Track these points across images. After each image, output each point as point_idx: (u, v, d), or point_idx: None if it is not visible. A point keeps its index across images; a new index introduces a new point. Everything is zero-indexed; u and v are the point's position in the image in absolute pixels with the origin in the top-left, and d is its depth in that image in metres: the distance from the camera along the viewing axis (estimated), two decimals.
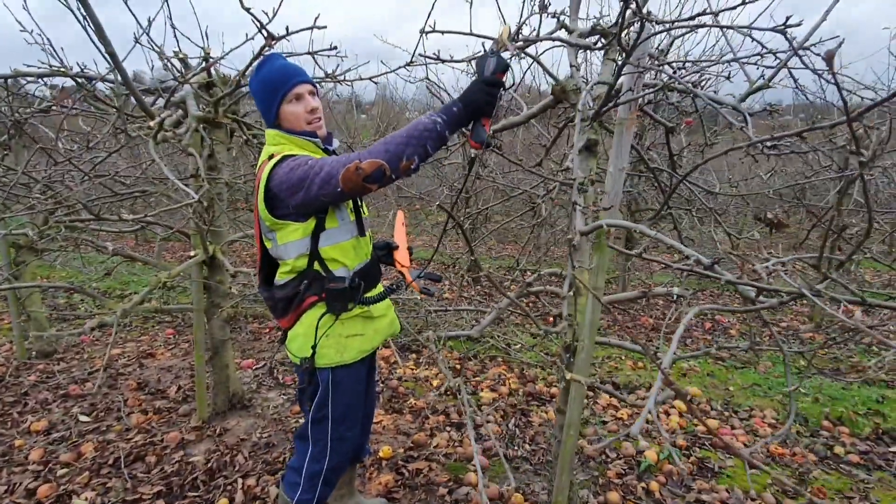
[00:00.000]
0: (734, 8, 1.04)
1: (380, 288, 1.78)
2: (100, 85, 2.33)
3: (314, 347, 1.61)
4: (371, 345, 1.71)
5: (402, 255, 1.82)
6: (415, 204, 7.16)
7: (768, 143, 1.29)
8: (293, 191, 1.42)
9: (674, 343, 0.90)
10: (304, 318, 1.62)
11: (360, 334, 1.66)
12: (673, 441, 2.80)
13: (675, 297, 1.86)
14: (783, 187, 3.24)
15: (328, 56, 2.64)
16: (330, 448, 1.69)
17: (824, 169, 4.41)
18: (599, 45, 1.77)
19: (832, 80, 0.69)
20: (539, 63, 1.89)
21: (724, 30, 1.39)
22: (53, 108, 2.64)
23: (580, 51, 1.88)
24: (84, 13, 1.57)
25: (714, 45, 3.76)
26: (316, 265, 1.58)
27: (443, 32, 1.95)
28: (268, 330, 4.69)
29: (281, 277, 1.64)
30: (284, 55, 1.71)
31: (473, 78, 1.38)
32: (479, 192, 6.35)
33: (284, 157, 1.49)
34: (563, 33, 1.84)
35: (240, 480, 2.35)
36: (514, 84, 2.39)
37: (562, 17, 1.80)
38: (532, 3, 2.07)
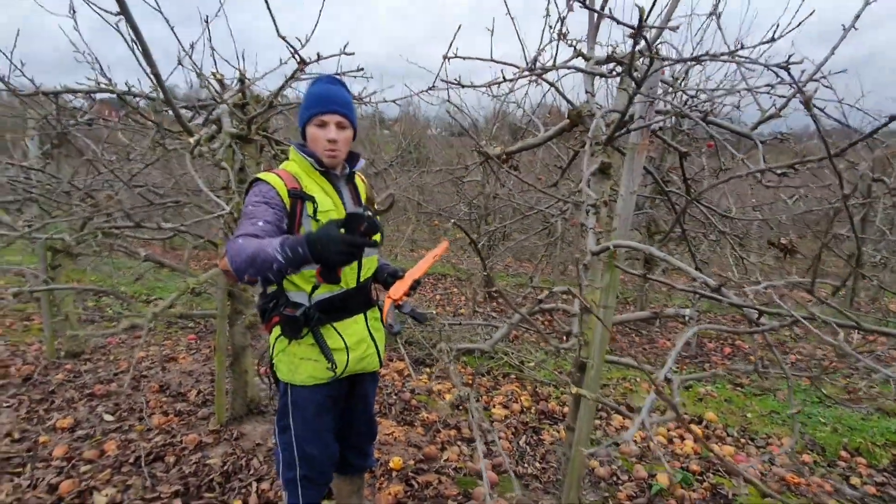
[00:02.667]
0: (769, 42, 1.08)
1: (357, 321, 1.73)
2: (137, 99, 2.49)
3: (272, 360, 1.72)
4: (325, 374, 1.65)
5: (398, 286, 1.71)
6: (433, 219, 7.25)
7: (778, 171, 1.33)
8: None
9: (671, 359, 0.94)
10: (271, 333, 1.71)
11: (312, 359, 1.64)
12: (686, 466, 2.77)
13: (685, 318, 1.89)
14: (802, 212, 3.23)
15: (355, 77, 2.76)
16: (298, 459, 1.72)
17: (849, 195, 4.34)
18: (614, 73, 1.84)
19: (810, 115, 0.73)
20: (556, 88, 1.96)
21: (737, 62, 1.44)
22: (96, 121, 2.81)
23: (596, 77, 1.95)
24: (133, 37, 1.71)
25: (728, 72, 3.79)
26: (284, 284, 1.63)
27: (464, 58, 2.04)
28: (267, 332, 4.78)
29: (270, 288, 1.70)
30: (304, 78, 1.81)
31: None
32: (496, 210, 6.43)
33: (252, 183, 1.61)
34: (580, 60, 1.91)
35: (254, 484, 2.41)
36: (534, 108, 2.47)
37: (579, 46, 1.87)
38: (551, 31, 2.16)
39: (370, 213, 1.33)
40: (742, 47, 1.10)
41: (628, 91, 1.44)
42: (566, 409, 3.47)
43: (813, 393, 3.98)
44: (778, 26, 1.03)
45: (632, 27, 0.96)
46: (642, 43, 1.03)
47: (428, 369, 4.15)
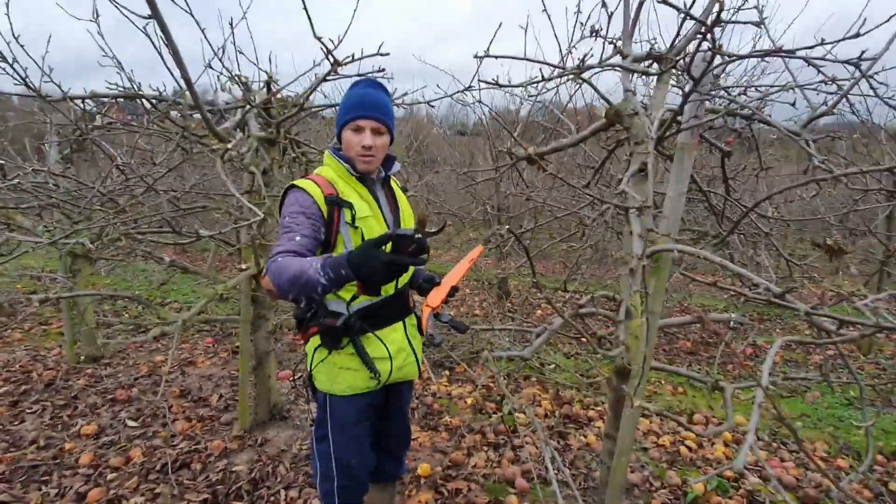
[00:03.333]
0: (853, 37, 1.02)
1: (396, 329, 1.69)
2: (145, 101, 2.45)
3: (311, 371, 1.68)
4: (366, 384, 1.63)
5: (435, 294, 1.67)
6: (447, 220, 7.19)
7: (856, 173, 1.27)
8: None
9: (765, 372, 0.89)
10: (309, 342, 1.68)
11: (352, 369, 1.61)
12: (720, 472, 2.71)
13: (731, 323, 1.83)
14: (842, 213, 3.15)
15: (376, 78, 2.72)
16: (335, 470, 1.68)
17: (877, 191, 4.25)
18: (655, 69, 1.79)
19: None
20: (592, 86, 1.91)
21: (787, 59, 1.38)
22: (114, 124, 2.79)
23: (634, 75, 1.90)
24: (164, 40, 1.67)
25: (747, 68, 3.72)
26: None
27: (496, 57, 1.99)
28: (303, 342, 4.77)
29: None
30: (332, 79, 1.77)
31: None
32: (510, 210, 6.37)
33: (288, 190, 1.58)
34: (617, 58, 1.86)
35: (282, 492, 2.38)
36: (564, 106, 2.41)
37: (617, 44, 1.82)
38: (582, 28, 2.11)
39: (419, 235, 1.31)
40: (823, 42, 1.04)
41: (682, 89, 1.38)
42: (590, 413, 3.41)
43: (841, 395, 3.90)
44: (865, 21, 0.98)
45: (703, 22, 0.91)
46: (708, 39, 0.98)
47: (447, 372, 4.11)
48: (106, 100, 2.08)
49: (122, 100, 2.44)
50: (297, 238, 1.44)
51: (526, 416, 1.24)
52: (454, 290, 1.70)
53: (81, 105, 2.06)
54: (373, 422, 1.74)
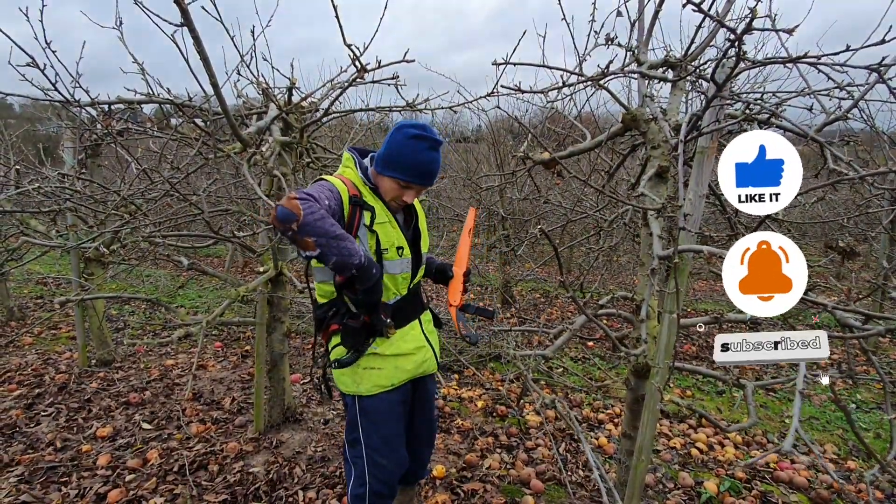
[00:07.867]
0: (878, 44, 1.07)
1: (413, 327, 1.73)
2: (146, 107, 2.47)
3: (328, 368, 1.71)
4: (390, 381, 1.66)
5: (454, 289, 1.71)
6: (453, 225, 7.24)
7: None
8: None
9: (801, 371, 0.93)
10: (330, 341, 1.70)
11: (376, 368, 1.64)
12: (731, 473, 2.73)
13: (747, 322, 1.86)
14: (855, 215, 3.20)
15: (389, 84, 2.77)
16: (368, 473, 1.69)
17: (880, 197, 4.30)
18: (671, 76, 1.83)
19: None
20: (610, 93, 1.96)
21: (807, 66, 1.43)
22: (138, 129, 2.83)
23: (650, 81, 1.94)
24: (196, 47, 1.72)
25: (750, 75, 3.79)
26: (344, 295, 1.61)
27: (515, 64, 2.04)
28: (310, 345, 4.79)
29: (319, 299, 1.71)
30: (345, 84, 1.81)
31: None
32: (517, 215, 6.42)
33: (318, 180, 1.59)
34: (633, 64, 1.90)
35: (300, 493, 2.40)
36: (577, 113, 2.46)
37: (634, 51, 1.87)
38: (596, 36, 2.16)
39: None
40: (848, 49, 1.09)
41: (705, 94, 1.43)
42: (601, 416, 3.43)
43: (848, 399, 3.93)
44: (891, 28, 1.03)
45: (733, 30, 0.95)
46: (735, 46, 1.02)
47: (457, 376, 4.14)
48: (123, 106, 2.12)
49: (143, 105, 2.49)
50: (327, 203, 1.44)
51: (561, 413, 1.26)
52: (468, 273, 1.76)
53: (108, 109, 2.10)
54: (402, 419, 1.77)
